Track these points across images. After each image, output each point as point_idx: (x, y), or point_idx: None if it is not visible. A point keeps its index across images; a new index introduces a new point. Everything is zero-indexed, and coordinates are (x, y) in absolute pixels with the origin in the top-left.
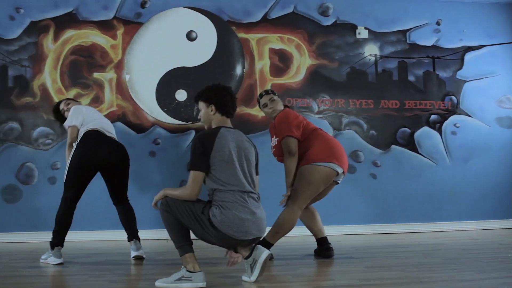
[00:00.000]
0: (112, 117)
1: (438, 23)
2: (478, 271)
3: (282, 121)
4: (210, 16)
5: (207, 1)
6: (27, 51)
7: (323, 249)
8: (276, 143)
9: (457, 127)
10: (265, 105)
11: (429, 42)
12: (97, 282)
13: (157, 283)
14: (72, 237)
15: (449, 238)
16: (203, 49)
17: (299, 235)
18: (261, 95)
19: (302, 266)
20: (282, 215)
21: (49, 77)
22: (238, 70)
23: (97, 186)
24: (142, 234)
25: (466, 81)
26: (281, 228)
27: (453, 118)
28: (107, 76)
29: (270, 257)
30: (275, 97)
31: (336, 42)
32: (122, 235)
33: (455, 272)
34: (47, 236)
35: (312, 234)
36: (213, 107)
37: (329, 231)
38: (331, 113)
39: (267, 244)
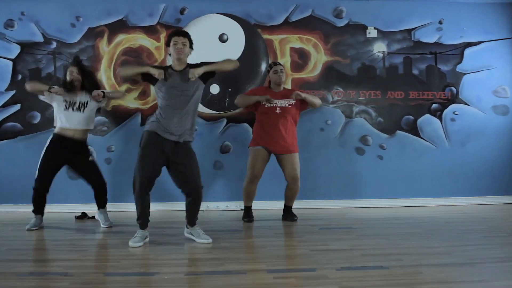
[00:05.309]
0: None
1: (440, 22)
2: (445, 240)
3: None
4: (239, 20)
5: (236, 8)
6: (86, 53)
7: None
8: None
9: (456, 114)
10: (276, 72)
11: (432, 39)
12: None
13: None
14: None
15: (442, 212)
16: (233, 49)
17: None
18: (275, 63)
19: (307, 233)
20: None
21: (105, 75)
22: (263, 67)
23: None
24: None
25: (465, 74)
26: None
27: (452, 107)
28: None
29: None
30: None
31: (348, 41)
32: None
33: (426, 241)
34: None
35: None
36: None
37: (341, 204)
38: (343, 103)
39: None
